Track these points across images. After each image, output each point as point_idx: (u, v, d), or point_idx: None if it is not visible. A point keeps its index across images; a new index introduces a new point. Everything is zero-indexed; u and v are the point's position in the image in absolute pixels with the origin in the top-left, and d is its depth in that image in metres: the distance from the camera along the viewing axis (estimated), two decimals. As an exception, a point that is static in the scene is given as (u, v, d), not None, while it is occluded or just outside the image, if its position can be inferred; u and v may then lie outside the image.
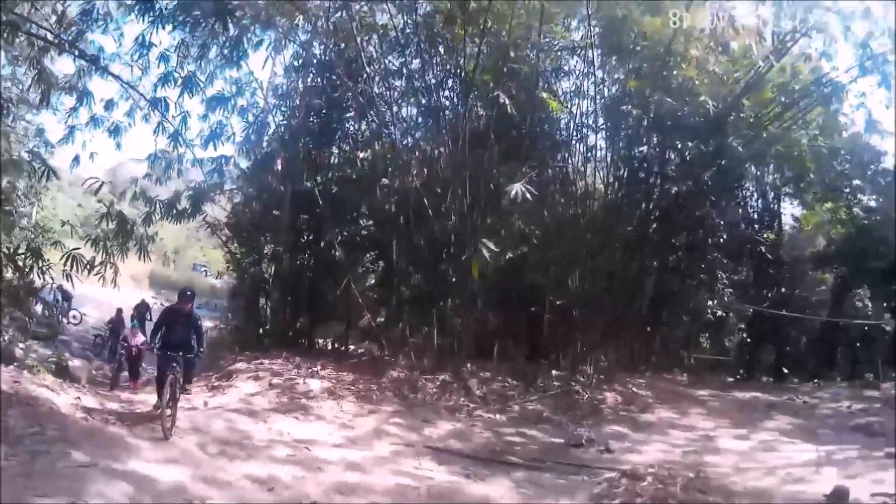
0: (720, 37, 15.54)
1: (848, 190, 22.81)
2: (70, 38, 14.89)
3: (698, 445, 11.35)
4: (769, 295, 23.34)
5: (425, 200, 15.54)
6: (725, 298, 20.80)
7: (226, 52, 17.09)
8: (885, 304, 21.23)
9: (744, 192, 23.25)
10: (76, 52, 15.28)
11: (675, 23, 15.07)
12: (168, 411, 9.12)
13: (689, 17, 15.21)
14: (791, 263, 24.76)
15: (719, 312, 21.21)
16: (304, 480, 7.67)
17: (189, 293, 10.53)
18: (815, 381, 19.76)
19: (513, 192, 13.10)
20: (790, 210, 26.28)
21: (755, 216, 24.36)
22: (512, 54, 15.81)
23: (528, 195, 13.11)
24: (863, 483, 8.02)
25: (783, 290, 23.70)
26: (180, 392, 9.75)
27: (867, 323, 19.91)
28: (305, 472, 8.03)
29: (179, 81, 17.47)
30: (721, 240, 21.17)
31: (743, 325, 23.40)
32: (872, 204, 23.05)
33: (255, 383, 12.83)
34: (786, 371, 21.40)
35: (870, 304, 22.08)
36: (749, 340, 23.27)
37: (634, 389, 15.27)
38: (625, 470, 8.84)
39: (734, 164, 18.62)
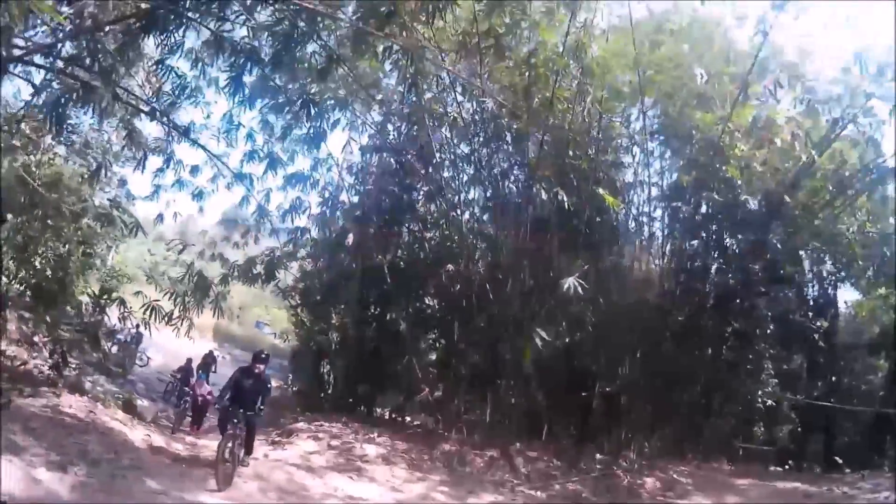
0: (765, 134, 16.71)
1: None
2: (161, 107, 16.21)
3: None
4: (820, 384, 23.98)
5: (487, 285, 16.81)
6: (770, 389, 21.35)
7: (308, 133, 18.71)
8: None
9: (798, 280, 23.66)
10: (167, 122, 16.75)
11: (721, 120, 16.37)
12: (225, 466, 9.77)
13: (736, 114, 16.46)
14: (844, 351, 25.33)
15: (769, 402, 21.79)
16: None
17: (264, 356, 11.15)
18: (863, 471, 20.26)
19: (566, 286, 14.38)
20: (846, 296, 26.95)
21: (810, 304, 24.87)
22: (570, 152, 17.09)
23: (580, 289, 14.34)
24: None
25: (834, 378, 24.30)
26: (241, 454, 10.45)
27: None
28: None
29: (263, 157, 19.18)
30: (769, 330, 21.63)
31: (793, 415, 23.83)
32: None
33: (314, 443, 14.13)
34: (839, 461, 21.77)
35: None
36: (799, 430, 23.69)
37: (675, 476, 16.12)
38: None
39: (783, 255, 19.42)
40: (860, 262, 22.41)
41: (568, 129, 17.06)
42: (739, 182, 17.40)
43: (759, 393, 20.84)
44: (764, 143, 17.44)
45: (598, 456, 16.26)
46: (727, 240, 19.75)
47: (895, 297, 23.64)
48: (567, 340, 17.57)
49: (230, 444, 10.02)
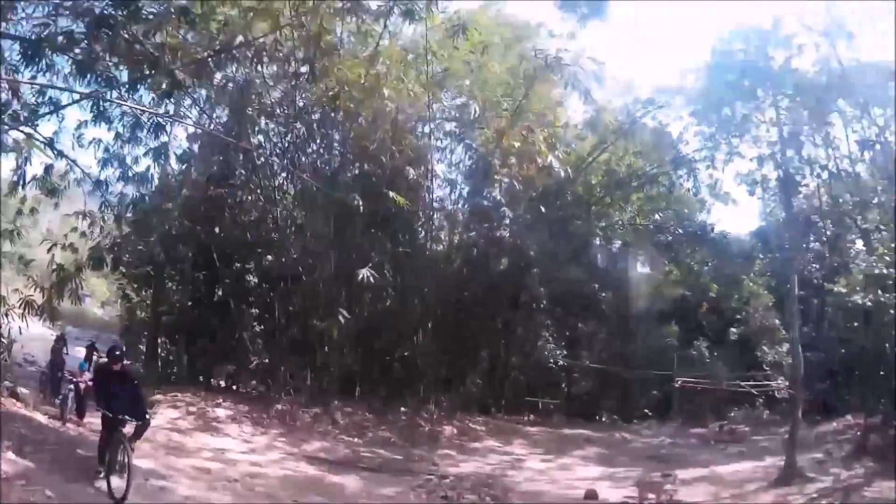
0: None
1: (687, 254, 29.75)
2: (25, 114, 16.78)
3: (506, 464, 16.74)
4: (613, 347, 29.62)
5: (300, 268, 20.63)
6: (556, 352, 26.50)
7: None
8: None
9: (586, 260, 28.75)
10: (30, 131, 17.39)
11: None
12: (119, 478, 9.33)
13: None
14: (635, 320, 30.97)
15: (561, 363, 26.97)
16: (226, 470, 12.27)
17: (118, 352, 10.45)
18: (646, 422, 25.84)
19: (360, 276, 18.60)
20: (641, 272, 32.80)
21: (601, 280, 30.19)
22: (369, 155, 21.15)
23: (383, 271, 18.48)
24: (627, 492, 13.25)
25: (623, 343, 29.96)
26: (131, 450, 9.71)
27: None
28: (226, 465, 12.68)
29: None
30: (543, 303, 26.87)
31: (578, 375, 29.41)
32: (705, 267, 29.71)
33: (175, 410, 17.05)
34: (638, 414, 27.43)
35: (706, 353, 28.42)
36: (590, 388, 29.34)
37: (470, 425, 20.73)
38: (439, 474, 14.05)
39: (564, 239, 24.32)
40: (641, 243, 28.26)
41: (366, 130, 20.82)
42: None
43: (547, 355, 25.81)
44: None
45: (402, 409, 20.51)
46: (511, 229, 24.20)
47: (678, 273, 29.68)
48: (373, 315, 21.93)
49: (123, 454, 9.51)
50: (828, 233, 26.38)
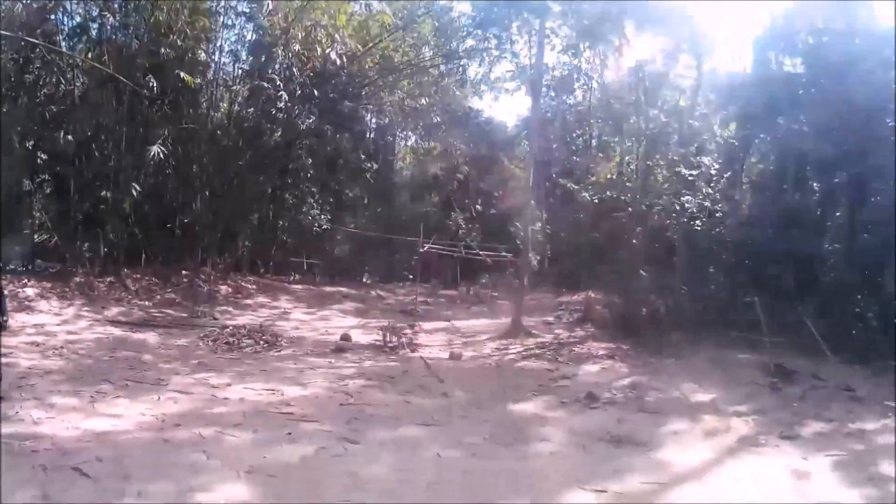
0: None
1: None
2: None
3: (275, 316, 19.83)
4: (375, 214, 33.11)
5: (91, 144, 21.72)
6: (322, 217, 29.74)
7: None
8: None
9: (356, 132, 31.48)
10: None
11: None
12: None
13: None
14: (397, 188, 34.62)
15: (324, 227, 30.18)
16: (50, 340, 13.84)
17: None
18: (403, 283, 29.95)
19: (151, 153, 20.79)
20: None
21: (368, 151, 33.23)
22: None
23: (161, 155, 20.86)
24: (376, 336, 16.43)
25: (386, 210, 33.52)
26: None
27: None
28: (49, 337, 14.27)
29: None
30: (311, 172, 29.64)
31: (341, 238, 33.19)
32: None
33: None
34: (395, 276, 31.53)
35: (462, 224, 32.82)
36: (352, 250, 33.10)
37: (243, 284, 23.50)
38: (221, 326, 16.84)
39: (337, 117, 27.02)
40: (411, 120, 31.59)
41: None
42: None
43: (312, 220, 28.93)
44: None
45: (183, 272, 22.86)
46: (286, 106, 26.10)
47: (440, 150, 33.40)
48: (157, 186, 23.72)
49: None
50: (587, 136, 31.40)
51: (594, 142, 32.54)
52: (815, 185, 18.33)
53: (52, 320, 16.26)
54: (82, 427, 7.91)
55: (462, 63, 29.63)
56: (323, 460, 7.29)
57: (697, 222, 17.79)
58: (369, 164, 32.26)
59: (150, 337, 15.39)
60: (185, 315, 18.69)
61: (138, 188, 21.16)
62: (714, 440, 8.74)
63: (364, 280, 32.52)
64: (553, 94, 33.04)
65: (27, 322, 15.55)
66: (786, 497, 6.85)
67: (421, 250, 25.78)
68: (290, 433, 8.09)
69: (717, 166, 18.60)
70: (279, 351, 14.71)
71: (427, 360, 13.97)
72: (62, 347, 13.25)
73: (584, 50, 27.68)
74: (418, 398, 10.53)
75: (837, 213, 18.22)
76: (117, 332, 15.61)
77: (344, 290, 26.72)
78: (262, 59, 24.74)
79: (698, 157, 19.16)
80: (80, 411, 8.67)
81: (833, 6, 17.56)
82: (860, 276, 15.91)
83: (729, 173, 18.78)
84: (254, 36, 25.39)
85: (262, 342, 15.24)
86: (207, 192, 24.37)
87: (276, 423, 8.58)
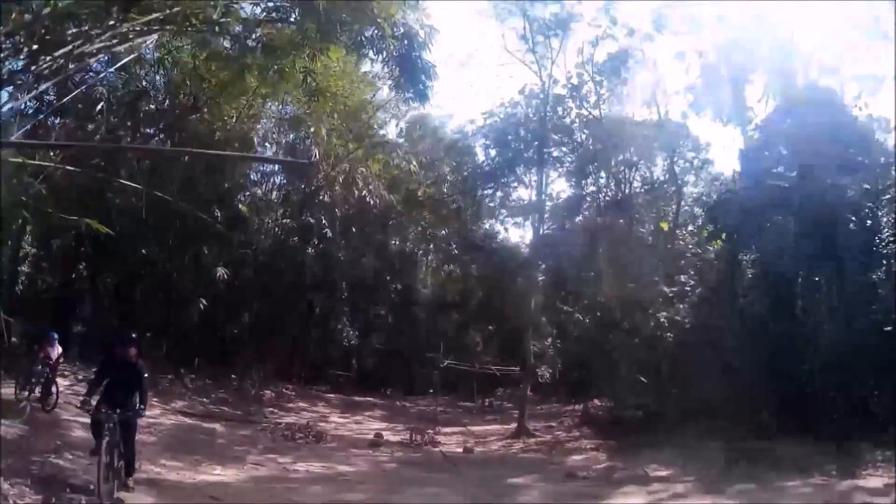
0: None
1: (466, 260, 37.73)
2: None
3: (316, 418, 23.48)
4: (399, 331, 37.13)
5: (166, 264, 26.05)
6: (351, 334, 33.73)
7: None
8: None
9: (385, 260, 35.95)
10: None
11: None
12: (108, 484, 8.87)
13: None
14: (423, 308, 38.81)
15: (353, 342, 34.24)
16: None
17: (132, 336, 10.16)
18: (425, 395, 33.60)
19: (217, 274, 25.08)
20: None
21: (393, 276, 37.48)
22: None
23: (226, 276, 25.05)
24: (403, 436, 20.23)
25: (409, 328, 37.52)
26: (120, 463, 9.30)
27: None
28: None
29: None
30: (346, 294, 33.89)
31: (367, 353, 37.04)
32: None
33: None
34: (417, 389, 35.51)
35: (479, 341, 36.72)
36: (377, 364, 36.90)
37: (284, 390, 27.39)
38: (273, 422, 20.56)
39: (368, 245, 31.41)
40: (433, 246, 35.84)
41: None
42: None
43: (343, 336, 33.00)
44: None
45: (232, 376, 26.72)
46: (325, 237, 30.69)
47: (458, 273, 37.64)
48: (216, 301, 27.66)
49: (111, 456, 9.02)
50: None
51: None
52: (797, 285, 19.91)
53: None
54: (197, 478, 11.52)
55: (476, 195, 33.84)
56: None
57: (669, 334, 21.22)
58: (394, 286, 36.45)
59: (218, 427, 18.82)
60: (239, 412, 22.26)
61: (205, 302, 25.36)
62: (653, 496, 12.34)
63: (387, 391, 36.04)
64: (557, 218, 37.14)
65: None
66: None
67: (441, 365, 29.35)
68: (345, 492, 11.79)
69: (692, 283, 22.42)
70: (326, 444, 18.22)
71: (445, 453, 17.64)
72: (149, 428, 15.94)
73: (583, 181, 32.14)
74: (437, 474, 14.25)
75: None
76: (188, 420, 19.05)
77: (372, 399, 30.40)
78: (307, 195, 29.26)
79: (678, 276, 22.96)
80: (187, 470, 12.08)
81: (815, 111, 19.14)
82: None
83: (699, 289, 22.29)
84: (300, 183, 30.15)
85: (310, 436, 18.69)
86: (256, 307, 28.66)
87: (336, 484, 12.30)
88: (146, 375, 9.91)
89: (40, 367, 14.92)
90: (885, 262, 18.40)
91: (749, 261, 21.45)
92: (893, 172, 19.01)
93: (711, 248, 23.48)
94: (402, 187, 31.66)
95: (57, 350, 15.61)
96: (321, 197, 29.27)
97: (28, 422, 12.56)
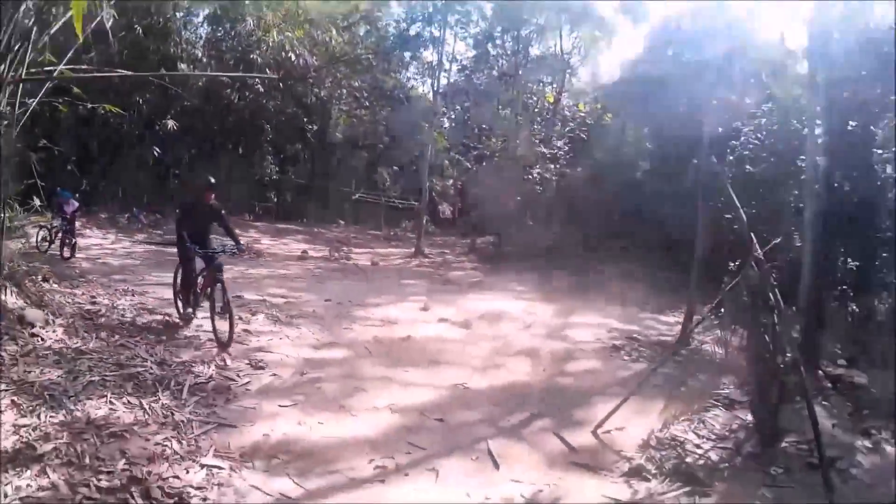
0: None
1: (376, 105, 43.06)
2: None
3: (250, 241, 28.25)
4: (316, 167, 42.57)
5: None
6: (273, 168, 39.24)
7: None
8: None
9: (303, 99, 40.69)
10: None
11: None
12: (222, 319, 9.40)
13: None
14: (333, 146, 44.15)
15: (273, 177, 39.66)
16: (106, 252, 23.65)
17: (212, 182, 10.56)
18: (338, 224, 39.45)
19: (168, 125, 29.58)
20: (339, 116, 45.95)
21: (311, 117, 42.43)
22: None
23: (174, 126, 29.79)
24: (324, 252, 26.02)
25: (324, 164, 42.97)
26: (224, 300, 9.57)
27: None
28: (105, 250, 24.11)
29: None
30: (271, 133, 38.90)
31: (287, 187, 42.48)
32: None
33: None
34: (332, 219, 40.70)
35: (387, 177, 42.59)
36: (296, 197, 42.44)
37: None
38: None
39: (295, 100, 36.62)
40: (344, 91, 40.97)
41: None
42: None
43: (264, 170, 38.37)
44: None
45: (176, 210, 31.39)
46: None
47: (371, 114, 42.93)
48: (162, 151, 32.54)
49: (218, 286, 9.67)
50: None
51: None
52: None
53: (103, 242, 23.99)
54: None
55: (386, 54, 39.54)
56: (305, 288, 16.74)
57: (540, 187, 27.13)
58: (310, 126, 41.56)
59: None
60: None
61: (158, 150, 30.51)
62: (499, 295, 18.53)
63: (305, 221, 41.35)
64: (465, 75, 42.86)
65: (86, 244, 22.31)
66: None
67: (353, 198, 34.86)
68: (289, 283, 17.45)
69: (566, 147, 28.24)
70: (265, 258, 23.35)
71: (357, 264, 23.53)
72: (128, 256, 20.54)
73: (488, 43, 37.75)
74: (351, 277, 20.18)
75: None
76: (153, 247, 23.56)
77: (293, 226, 35.99)
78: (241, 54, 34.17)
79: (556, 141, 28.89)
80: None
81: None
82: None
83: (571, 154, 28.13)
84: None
85: (252, 253, 23.22)
86: (193, 151, 34.05)
87: (281, 280, 17.82)
88: (225, 212, 10.51)
89: (58, 221, 17.33)
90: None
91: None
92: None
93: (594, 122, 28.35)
94: (322, 49, 36.13)
95: (72, 206, 17.92)
96: (252, 57, 33.64)
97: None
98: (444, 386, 9.02)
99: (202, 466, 5.90)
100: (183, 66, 30.72)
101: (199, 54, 33.59)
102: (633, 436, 7.37)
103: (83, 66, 11.32)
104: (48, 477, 5.30)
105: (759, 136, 20.76)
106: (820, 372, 9.80)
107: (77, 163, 29.64)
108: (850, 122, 13.68)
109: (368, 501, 5.68)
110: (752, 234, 7.27)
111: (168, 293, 11.51)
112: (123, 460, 5.74)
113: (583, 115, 29.81)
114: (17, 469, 5.33)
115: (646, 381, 8.31)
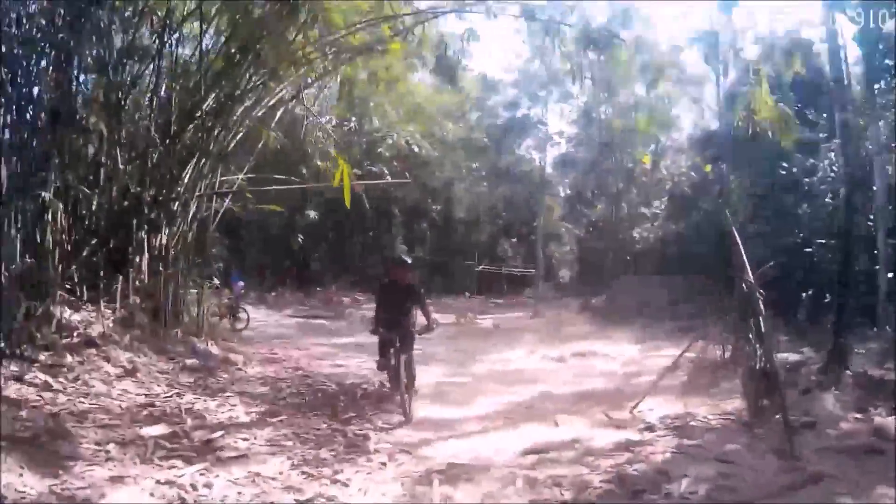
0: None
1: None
2: None
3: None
4: (441, 243, 47.12)
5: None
6: (403, 247, 43.56)
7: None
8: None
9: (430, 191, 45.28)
10: None
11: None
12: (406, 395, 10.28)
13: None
14: (457, 223, 48.65)
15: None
16: (261, 325, 28.58)
17: (408, 262, 11.61)
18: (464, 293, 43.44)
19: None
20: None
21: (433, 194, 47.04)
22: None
23: None
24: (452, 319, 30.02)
25: (449, 240, 47.45)
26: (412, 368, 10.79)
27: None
28: (260, 323, 29.02)
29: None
30: (403, 215, 44.01)
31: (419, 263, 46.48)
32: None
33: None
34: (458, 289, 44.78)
35: (508, 249, 47.00)
36: (425, 273, 46.47)
37: (356, 297, 37.32)
38: (361, 316, 30.57)
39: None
40: (463, 171, 45.48)
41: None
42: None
43: (396, 249, 42.18)
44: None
45: (317, 288, 36.83)
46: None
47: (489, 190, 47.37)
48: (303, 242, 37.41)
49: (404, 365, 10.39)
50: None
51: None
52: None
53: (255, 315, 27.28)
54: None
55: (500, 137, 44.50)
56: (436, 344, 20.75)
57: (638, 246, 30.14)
58: (435, 207, 46.62)
59: (325, 322, 28.07)
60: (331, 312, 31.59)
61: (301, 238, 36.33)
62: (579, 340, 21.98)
63: (434, 294, 45.10)
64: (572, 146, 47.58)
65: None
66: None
67: (476, 270, 38.45)
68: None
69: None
70: None
71: (480, 326, 27.53)
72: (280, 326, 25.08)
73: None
74: (475, 337, 23.96)
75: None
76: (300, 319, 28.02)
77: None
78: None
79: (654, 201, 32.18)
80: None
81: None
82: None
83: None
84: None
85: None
86: (331, 236, 39.50)
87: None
88: (422, 292, 11.05)
89: (228, 299, 20.57)
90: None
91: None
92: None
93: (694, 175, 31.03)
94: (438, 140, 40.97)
95: (238, 286, 22.30)
96: (379, 151, 38.67)
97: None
98: (535, 394, 12.89)
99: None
100: (318, 162, 35.53)
101: (332, 153, 38.26)
102: (658, 413, 10.46)
103: (251, 176, 17.23)
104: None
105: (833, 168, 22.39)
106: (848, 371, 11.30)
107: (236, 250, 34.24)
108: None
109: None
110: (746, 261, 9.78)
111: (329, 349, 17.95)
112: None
113: (683, 170, 32.76)
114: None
115: (671, 369, 11.94)
